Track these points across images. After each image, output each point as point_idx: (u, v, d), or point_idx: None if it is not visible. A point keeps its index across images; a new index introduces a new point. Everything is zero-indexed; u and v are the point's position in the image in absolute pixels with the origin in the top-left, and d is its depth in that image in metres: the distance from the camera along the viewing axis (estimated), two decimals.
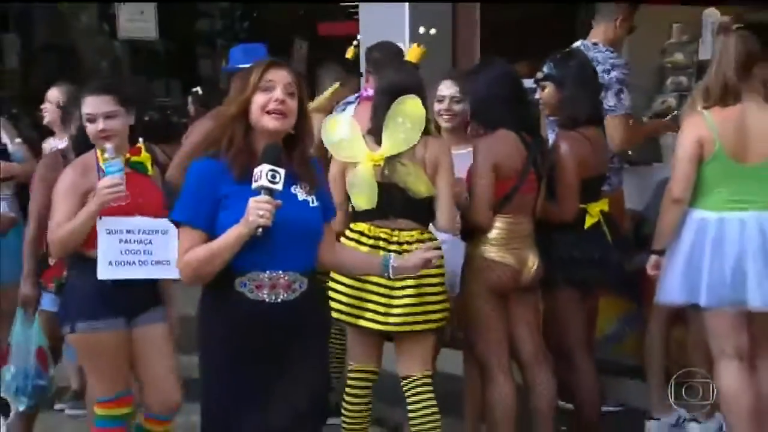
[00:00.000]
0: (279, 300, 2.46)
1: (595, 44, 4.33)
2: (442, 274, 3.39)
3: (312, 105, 3.64)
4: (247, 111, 2.46)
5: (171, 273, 3.22)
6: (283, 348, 2.49)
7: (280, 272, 2.46)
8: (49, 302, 3.70)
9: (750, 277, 3.28)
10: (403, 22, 5.20)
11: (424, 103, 3.39)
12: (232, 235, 2.39)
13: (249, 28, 16.46)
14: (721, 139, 3.33)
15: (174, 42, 16.01)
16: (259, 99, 2.44)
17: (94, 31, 14.75)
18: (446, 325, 3.51)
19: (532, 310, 3.61)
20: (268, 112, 2.43)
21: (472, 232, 3.53)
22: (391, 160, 3.31)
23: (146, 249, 3.20)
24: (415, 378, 3.40)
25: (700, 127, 3.36)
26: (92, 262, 3.15)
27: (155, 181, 3.42)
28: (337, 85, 4.37)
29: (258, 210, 2.34)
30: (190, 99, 9.15)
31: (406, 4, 5.19)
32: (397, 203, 3.32)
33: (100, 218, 3.13)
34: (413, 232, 3.34)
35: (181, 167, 3.92)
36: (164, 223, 3.22)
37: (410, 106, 3.32)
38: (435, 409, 3.37)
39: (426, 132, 3.36)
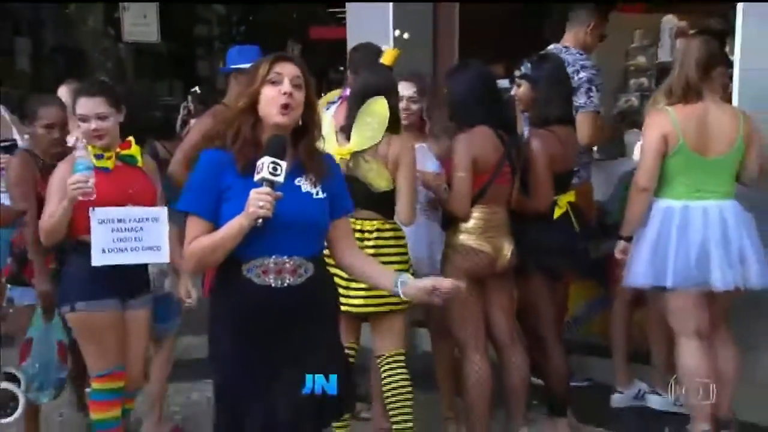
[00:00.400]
0: (285, 285, 2.35)
1: (566, 47, 4.30)
2: (404, 261, 3.33)
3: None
4: (255, 103, 2.36)
5: (162, 258, 3.22)
6: (291, 332, 2.37)
7: (285, 257, 2.35)
8: (31, 296, 3.55)
9: (713, 261, 3.27)
10: (387, 24, 5.12)
11: (395, 104, 3.35)
12: (233, 226, 2.28)
13: (245, 31, 16.34)
14: (684, 134, 3.32)
15: (175, 44, 15.86)
16: (267, 91, 2.33)
17: (100, 34, 14.61)
18: (414, 306, 3.44)
19: (506, 294, 3.57)
20: (276, 107, 2.32)
21: (450, 221, 3.47)
22: (355, 155, 3.29)
23: (138, 236, 3.14)
24: (387, 356, 3.35)
25: (664, 122, 3.34)
26: (89, 246, 3.10)
27: (147, 173, 3.35)
28: (337, 91, 4.30)
29: (258, 201, 2.23)
30: (189, 98, 9.06)
31: (390, 5, 5.11)
32: (360, 195, 3.24)
33: (93, 209, 3.08)
34: (375, 222, 3.31)
35: (181, 163, 3.87)
36: (155, 211, 3.21)
37: (378, 107, 3.30)
38: (407, 383, 3.32)
39: (395, 131, 3.32)
